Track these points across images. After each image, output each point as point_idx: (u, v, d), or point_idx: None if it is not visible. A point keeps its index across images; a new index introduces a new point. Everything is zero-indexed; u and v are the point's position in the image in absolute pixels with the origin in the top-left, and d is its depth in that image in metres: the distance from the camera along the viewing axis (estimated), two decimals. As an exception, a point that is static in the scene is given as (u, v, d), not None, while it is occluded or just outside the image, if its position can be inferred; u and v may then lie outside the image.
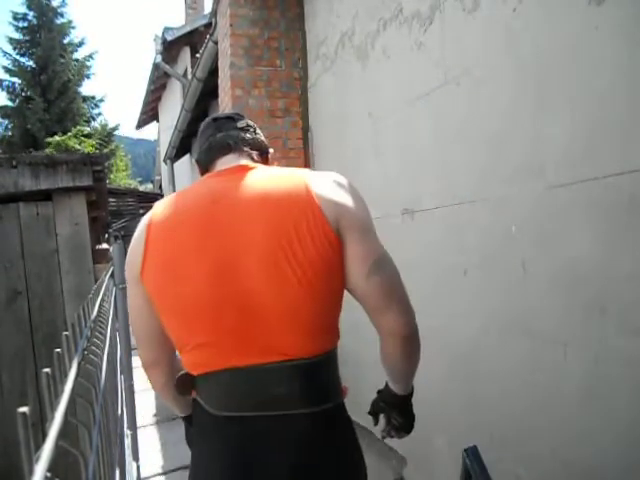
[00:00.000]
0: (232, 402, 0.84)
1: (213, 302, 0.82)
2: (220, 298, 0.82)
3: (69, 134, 13.86)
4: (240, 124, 1.03)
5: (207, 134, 1.04)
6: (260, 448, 0.82)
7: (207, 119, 1.10)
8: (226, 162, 0.98)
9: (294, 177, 0.89)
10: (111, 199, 10.29)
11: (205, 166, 1.03)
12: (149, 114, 12.69)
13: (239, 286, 0.82)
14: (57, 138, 13.35)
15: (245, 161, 0.97)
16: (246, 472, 0.82)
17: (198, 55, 4.15)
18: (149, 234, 0.90)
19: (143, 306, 0.90)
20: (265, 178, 0.90)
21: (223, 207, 0.86)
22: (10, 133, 17.03)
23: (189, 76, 6.88)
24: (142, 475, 2.30)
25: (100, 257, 2.38)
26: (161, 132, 12.56)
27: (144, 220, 0.95)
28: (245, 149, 1.00)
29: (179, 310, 0.85)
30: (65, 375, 0.57)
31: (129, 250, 0.96)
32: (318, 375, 0.87)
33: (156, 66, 8.71)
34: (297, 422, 0.83)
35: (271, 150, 1.09)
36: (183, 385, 0.90)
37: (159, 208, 0.93)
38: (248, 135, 1.02)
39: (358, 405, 2.90)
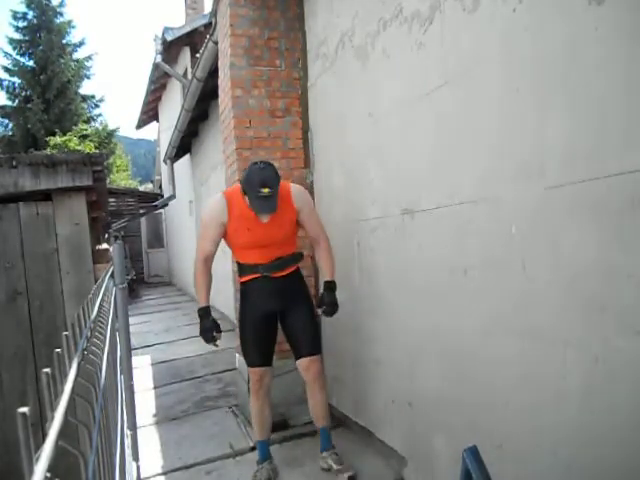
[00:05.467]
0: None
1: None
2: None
3: (69, 134, 13.85)
4: None
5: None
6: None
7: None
8: None
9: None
10: (111, 199, 10.31)
11: None
12: (149, 114, 12.70)
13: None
14: (58, 139, 13.35)
15: None
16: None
17: (198, 55, 4.15)
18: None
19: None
20: None
21: None
22: (10, 133, 17.04)
23: (189, 76, 6.88)
24: (142, 475, 2.30)
25: (100, 257, 2.38)
26: (161, 132, 12.56)
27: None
28: None
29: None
30: (65, 375, 0.57)
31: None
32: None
33: (156, 66, 8.71)
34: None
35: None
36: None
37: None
38: None
39: (357, 404, 2.91)
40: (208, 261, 2.22)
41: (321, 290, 2.31)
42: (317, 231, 2.29)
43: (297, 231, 2.30)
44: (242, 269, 2.26)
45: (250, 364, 2.29)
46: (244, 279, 2.27)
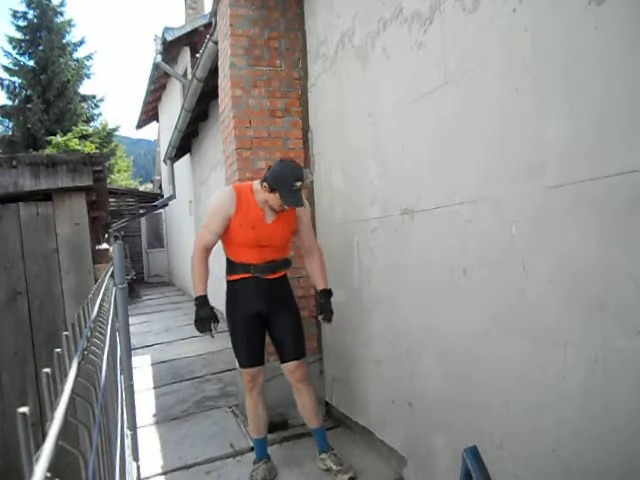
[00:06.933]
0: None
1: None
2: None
3: (69, 135, 13.86)
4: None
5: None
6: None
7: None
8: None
9: None
10: (111, 199, 10.29)
11: None
12: (149, 114, 12.70)
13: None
14: (58, 138, 13.35)
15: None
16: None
17: (198, 55, 4.15)
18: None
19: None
20: None
21: None
22: (10, 133, 17.04)
23: (189, 76, 6.88)
24: (142, 475, 2.31)
25: (100, 257, 2.38)
26: (161, 132, 12.56)
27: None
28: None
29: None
30: (65, 375, 0.57)
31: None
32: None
33: (156, 66, 8.71)
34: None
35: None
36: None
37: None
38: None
39: (357, 404, 2.90)
40: (208, 251, 2.24)
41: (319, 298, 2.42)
42: (312, 241, 2.41)
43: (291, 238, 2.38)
44: (233, 267, 2.27)
45: (242, 365, 2.30)
46: (233, 277, 2.27)
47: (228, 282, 2.31)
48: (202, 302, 2.17)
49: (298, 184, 2.09)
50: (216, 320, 2.19)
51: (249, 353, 2.26)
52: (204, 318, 2.15)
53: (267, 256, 2.23)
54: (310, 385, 2.38)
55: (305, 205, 2.31)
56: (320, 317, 2.35)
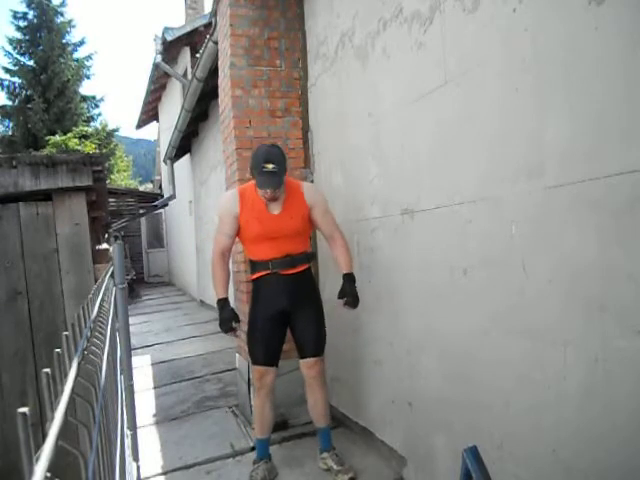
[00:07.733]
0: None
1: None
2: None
3: (69, 134, 13.87)
4: None
5: None
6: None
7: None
8: None
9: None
10: (111, 199, 10.29)
11: None
12: (149, 114, 12.70)
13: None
14: (57, 138, 13.36)
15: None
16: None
17: (198, 55, 4.15)
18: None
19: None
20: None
21: None
22: (10, 133, 17.04)
23: (189, 76, 6.88)
24: (142, 475, 2.30)
25: (100, 257, 2.38)
26: (161, 132, 12.57)
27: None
28: None
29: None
30: (65, 375, 0.57)
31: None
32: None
33: (156, 66, 8.71)
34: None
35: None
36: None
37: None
38: None
39: (357, 404, 2.90)
40: (225, 255, 2.26)
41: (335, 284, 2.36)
42: (332, 228, 2.33)
43: (309, 230, 2.35)
44: (253, 266, 2.29)
45: (253, 362, 2.30)
46: (255, 276, 2.28)
47: (252, 282, 2.33)
48: (223, 304, 2.21)
49: (269, 166, 2.05)
50: (237, 320, 2.23)
51: (264, 352, 2.25)
52: (226, 319, 2.20)
53: (282, 249, 2.21)
54: (324, 384, 2.37)
55: (316, 192, 2.34)
56: (342, 302, 2.22)
